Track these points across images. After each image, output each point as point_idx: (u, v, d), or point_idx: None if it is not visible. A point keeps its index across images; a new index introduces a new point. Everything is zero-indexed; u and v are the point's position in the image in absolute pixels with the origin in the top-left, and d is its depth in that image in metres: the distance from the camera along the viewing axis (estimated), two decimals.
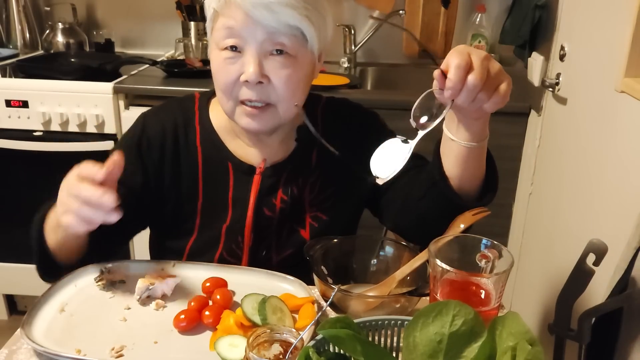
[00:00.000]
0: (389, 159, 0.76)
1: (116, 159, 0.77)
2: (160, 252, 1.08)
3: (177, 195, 1.02)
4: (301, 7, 0.87)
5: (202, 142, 1.02)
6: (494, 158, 0.92)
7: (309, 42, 0.92)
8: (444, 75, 0.73)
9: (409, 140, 0.76)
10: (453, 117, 0.85)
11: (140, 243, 1.16)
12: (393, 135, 1.08)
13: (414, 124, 0.75)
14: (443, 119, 0.77)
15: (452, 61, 0.72)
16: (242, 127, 0.96)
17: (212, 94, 1.07)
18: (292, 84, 0.92)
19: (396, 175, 1.01)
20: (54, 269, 0.90)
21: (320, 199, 1.04)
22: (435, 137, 0.90)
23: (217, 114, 1.04)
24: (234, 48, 0.90)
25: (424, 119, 0.75)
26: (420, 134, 0.75)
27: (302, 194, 1.03)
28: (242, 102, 0.93)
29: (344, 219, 1.07)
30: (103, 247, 0.92)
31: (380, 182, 0.76)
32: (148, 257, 1.11)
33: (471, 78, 0.72)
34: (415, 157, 0.96)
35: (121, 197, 0.84)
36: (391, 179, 1.02)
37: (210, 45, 0.96)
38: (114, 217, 0.75)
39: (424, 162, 0.99)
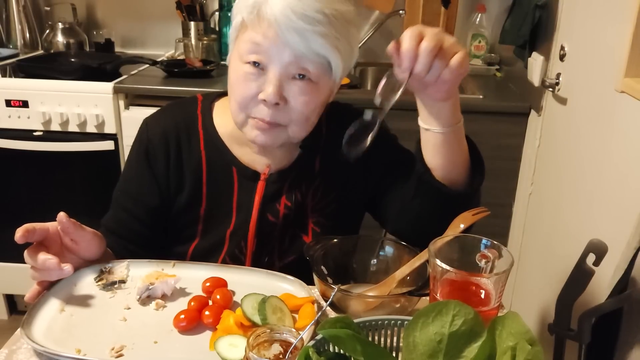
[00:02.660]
0: (359, 138, 0.80)
1: (61, 219, 0.83)
2: (162, 256, 1.07)
3: (181, 200, 1.02)
4: (333, 37, 0.86)
5: (205, 147, 1.01)
6: (474, 143, 0.93)
7: (333, 71, 0.91)
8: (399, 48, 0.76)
9: (376, 117, 0.80)
10: (423, 105, 0.87)
11: None
12: (396, 140, 1.09)
13: (378, 102, 0.79)
14: (401, 93, 0.79)
15: (405, 34, 0.76)
16: (250, 139, 0.95)
17: (216, 97, 1.06)
18: (308, 109, 0.91)
19: (394, 179, 1.02)
20: None
21: (323, 204, 1.04)
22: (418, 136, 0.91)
23: (222, 119, 1.02)
24: (257, 64, 0.88)
25: (387, 97, 0.79)
26: (386, 108, 0.79)
27: (305, 200, 1.03)
28: (254, 117, 0.92)
29: (346, 224, 1.06)
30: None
31: (352, 159, 0.81)
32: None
33: (424, 44, 0.75)
34: (414, 163, 0.97)
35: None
36: (388, 182, 1.02)
37: (231, 53, 0.94)
38: (66, 272, 0.81)
39: None
